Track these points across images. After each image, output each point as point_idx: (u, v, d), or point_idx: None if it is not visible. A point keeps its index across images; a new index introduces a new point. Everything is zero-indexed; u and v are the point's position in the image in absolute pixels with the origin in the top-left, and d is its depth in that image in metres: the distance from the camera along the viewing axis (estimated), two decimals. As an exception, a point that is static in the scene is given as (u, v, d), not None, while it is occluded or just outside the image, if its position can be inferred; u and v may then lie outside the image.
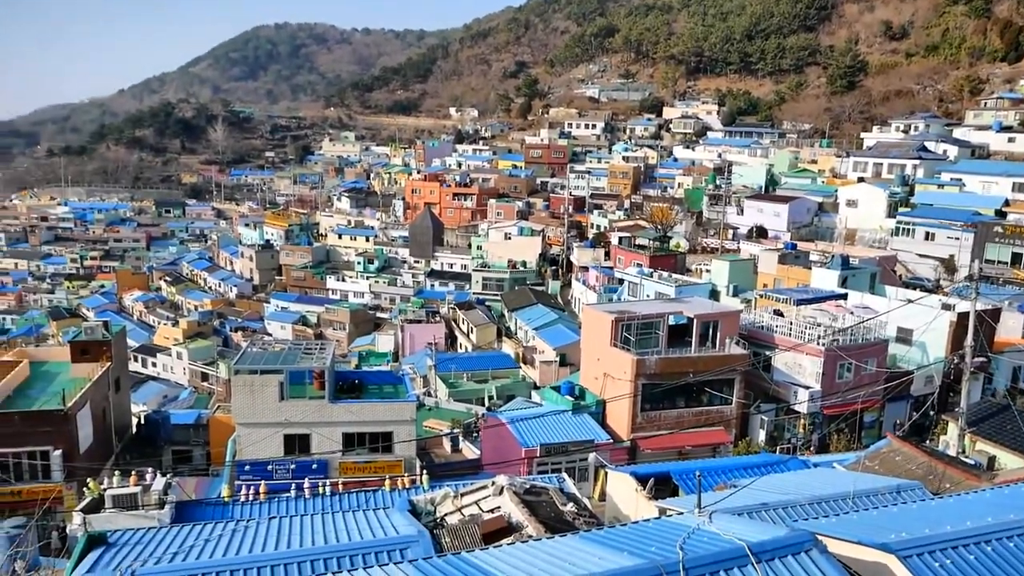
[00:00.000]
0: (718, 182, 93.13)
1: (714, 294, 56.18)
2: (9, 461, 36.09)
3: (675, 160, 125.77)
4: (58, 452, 36.34)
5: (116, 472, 28.63)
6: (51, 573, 20.12)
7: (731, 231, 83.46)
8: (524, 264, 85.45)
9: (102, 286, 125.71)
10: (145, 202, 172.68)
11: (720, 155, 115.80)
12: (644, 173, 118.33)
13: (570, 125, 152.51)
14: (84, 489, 27.91)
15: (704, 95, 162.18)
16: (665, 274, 61.03)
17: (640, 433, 36.99)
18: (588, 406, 39.05)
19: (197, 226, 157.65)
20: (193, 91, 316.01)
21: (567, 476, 22.78)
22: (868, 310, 43.11)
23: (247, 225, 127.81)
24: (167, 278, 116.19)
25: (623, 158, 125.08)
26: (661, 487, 21.72)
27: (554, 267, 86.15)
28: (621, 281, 65.00)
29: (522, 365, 58.69)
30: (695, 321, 38.97)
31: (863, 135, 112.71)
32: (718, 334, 39.15)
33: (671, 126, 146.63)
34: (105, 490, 24.97)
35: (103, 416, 42.05)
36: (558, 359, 54.31)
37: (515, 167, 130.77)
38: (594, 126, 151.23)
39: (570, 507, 18.07)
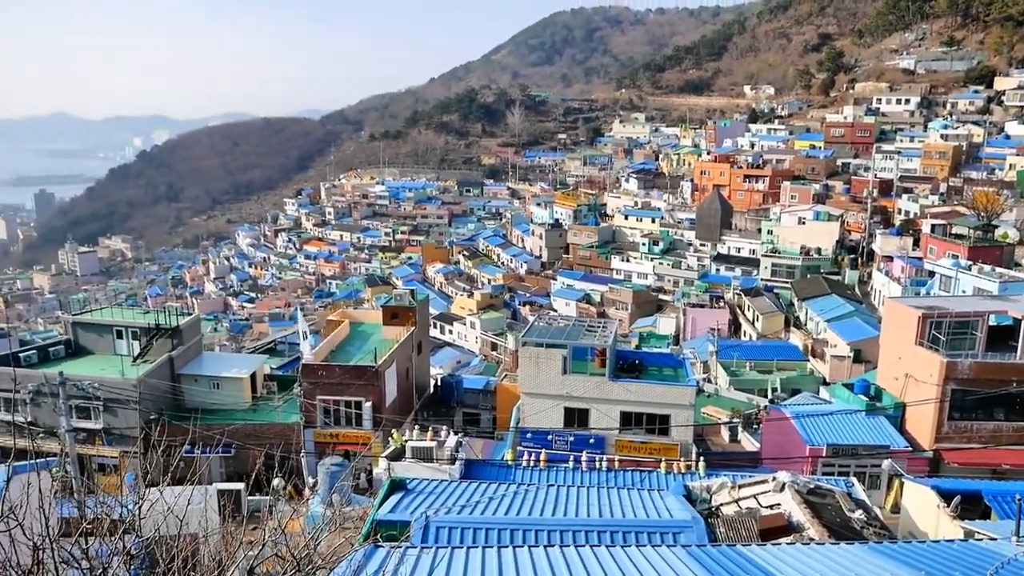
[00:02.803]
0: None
1: (1049, 293, 48.70)
2: (331, 408, 41.33)
3: (1007, 137, 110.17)
4: (369, 403, 40.89)
5: (416, 426, 31.56)
6: (360, 509, 22.65)
7: (1076, 221, 71.64)
8: (819, 251, 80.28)
9: (410, 258, 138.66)
10: (448, 182, 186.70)
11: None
12: (966, 153, 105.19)
13: (878, 101, 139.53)
14: (388, 439, 31.15)
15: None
16: (987, 268, 54.02)
17: (945, 444, 33.25)
18: (885, 408, 35.88)
19: (493, 205, 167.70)
20: (494, 78, 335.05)
21: (856, 481, 21.15)
22: None
23: (538, 204, 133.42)
24: (465, 252, 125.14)
25: (941, 136, 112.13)
26: (968, 507, 19.39)
27: (853, 255, 79.87)
28: (931, 273, 58.76)
29: (811, 358, 55.36)
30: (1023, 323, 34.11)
31: None
32: (1052, 339, 33.90)
33: (1004, 99, 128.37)
34: (406, 442, 27.65)
35: (406, 375, 46.53)
36: (852, 355, 50.46)
37: (813, 147, 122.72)
38: (907, 101, 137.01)
39: (858, 514, 16.79)
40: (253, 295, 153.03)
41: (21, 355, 43.00)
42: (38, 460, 11.90)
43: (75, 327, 46.05)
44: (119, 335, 45.24)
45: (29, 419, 38.78)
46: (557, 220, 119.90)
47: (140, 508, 9.82)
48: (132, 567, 8.98)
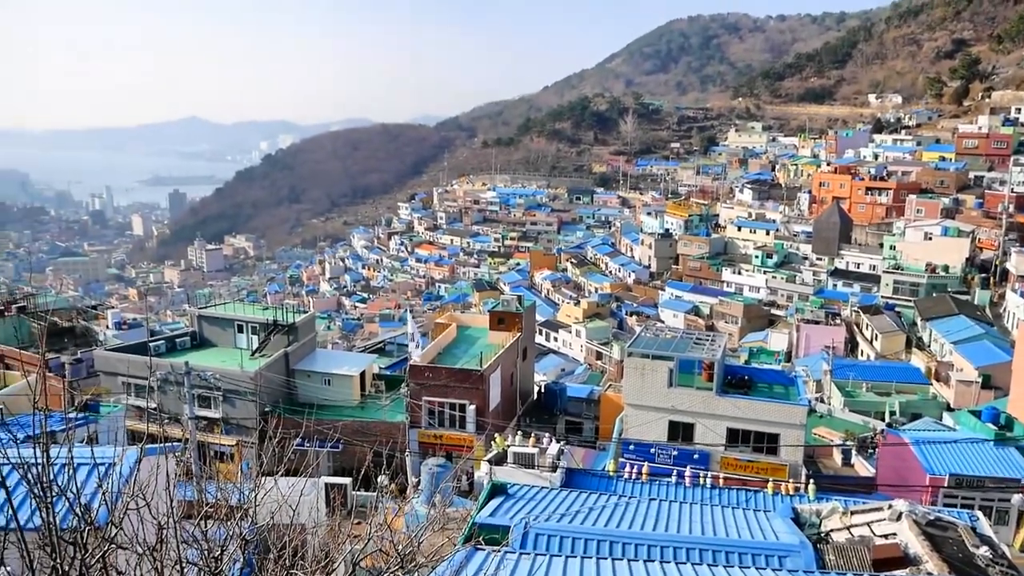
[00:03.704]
0: None
1: None
2: (435, 409, 42.07)
3: None
4: (473, 407, 41.36)
5: (518, 432, 31.75)
6: (462, 511, 22.93)
7: None
8: (946, 269, 76.05)
9: (518, 264, 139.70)
10: (559, 189, 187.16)
11: None
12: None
13: (1018, 110, 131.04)
14: (491, 443, 31.46)
15: None
16: None
17: (1085, 480, 30.82)
18: (1016, 439, 33.58)
19: (603, 213, 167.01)
20: (608, 86, 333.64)
21: (981, 515, 19.88)
22: None
23: (649, 214, 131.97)
24: (573, 260, 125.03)
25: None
26: (1111, 550, 17.90)
27: (984, 275, 75.24)
28: (1074, 297, 54.72)
29: (933, 382, 52.45)
30: None
31: None
32: None
33: None
34: (508, 447, 27.85)
35: (511, 380, 46.83)
36: (980, 380, 47.52)
37: (943, 159, 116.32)
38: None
39: (983, 551, 15.76)
40: (365, 296, 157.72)
41: (151, 345, 45.77)
42: (165, 444, 12.64)
43: (200, 320, 48.68)
44: (240, 329, 47.49)
45: (156, 405, 41.21)
46: (667, 230, 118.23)
47: (256, 496, 10.28)
48: (246, 552, 9.40)
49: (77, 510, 7.77)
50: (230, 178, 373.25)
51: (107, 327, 63.69)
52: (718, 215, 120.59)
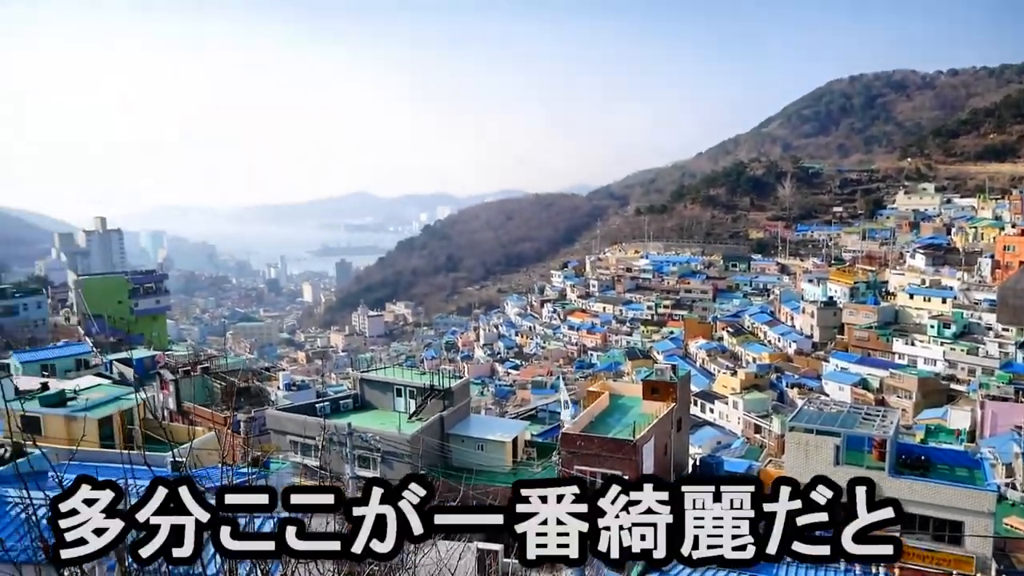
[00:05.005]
0: None
1: None
2: (587, 478, 41.48)
3: None
4: (626, 478, 40.51)
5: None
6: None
7: None
8: None
9: (671, 332, 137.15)
10: (714, 256, 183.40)
11: None
12: None
13: None
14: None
15: None
16: None
17: None
18: None
19: (760, 280, 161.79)
20: (764, 150, 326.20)
21: None
22: None
23: (810, 281, 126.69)
24: (729, 329, 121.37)
25: None
26: None
27: None
28: None
29: None
30: None
31: None
32: None
33: None
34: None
35: (664, 451, 45.65)
36: None
37: None
38: None
39: None
40: (518, 362, 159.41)
41: (317, 406, 48.21)
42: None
43: (362, 383, 50.91)
44: (398, 393, 49.22)
45: (320, 463, 43.11)
46: (831, 298, 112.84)
47: (416, 559, 10.52)
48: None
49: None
50: (392, 248, 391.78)
51: (278, 388, 67.61)
52: (887, 282, 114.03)
